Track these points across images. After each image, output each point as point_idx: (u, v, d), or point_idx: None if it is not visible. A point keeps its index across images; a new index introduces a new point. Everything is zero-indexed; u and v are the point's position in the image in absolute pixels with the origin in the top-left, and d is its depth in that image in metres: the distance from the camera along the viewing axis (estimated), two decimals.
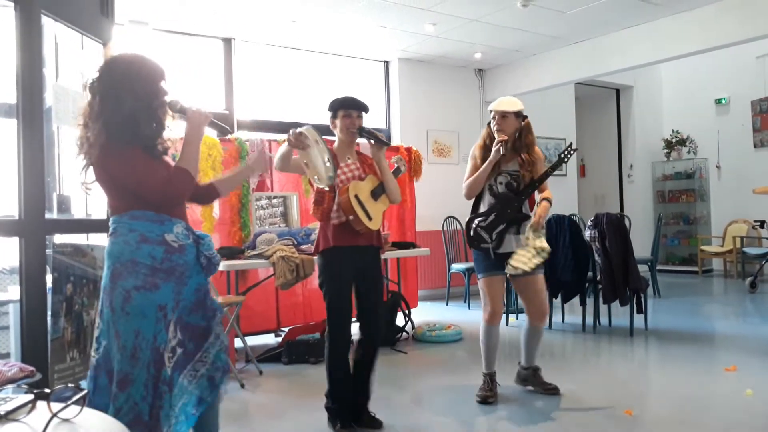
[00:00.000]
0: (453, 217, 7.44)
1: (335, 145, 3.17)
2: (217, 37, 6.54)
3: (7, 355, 3.42)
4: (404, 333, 5.22)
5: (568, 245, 5.14)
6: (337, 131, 3.15)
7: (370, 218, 3.00)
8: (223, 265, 4.15)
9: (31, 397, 1.25)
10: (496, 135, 3.35)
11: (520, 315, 6.14)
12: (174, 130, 2.20)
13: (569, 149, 3.44)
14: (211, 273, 2.20)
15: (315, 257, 3.11)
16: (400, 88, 7.76)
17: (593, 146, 10.22)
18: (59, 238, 3.11)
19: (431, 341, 5.12)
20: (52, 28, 3.06)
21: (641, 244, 8.22)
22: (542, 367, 3.65)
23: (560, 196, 6.29)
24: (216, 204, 4.81)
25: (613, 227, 5.01)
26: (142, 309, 1.98)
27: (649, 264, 6.92)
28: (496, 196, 3.38)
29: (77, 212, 3.48)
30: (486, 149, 3.41)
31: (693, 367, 4.09)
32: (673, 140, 9.74)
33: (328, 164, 2.79)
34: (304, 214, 5.58)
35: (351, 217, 2.94)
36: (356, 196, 2.97)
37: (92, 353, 2.11)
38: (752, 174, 8.66)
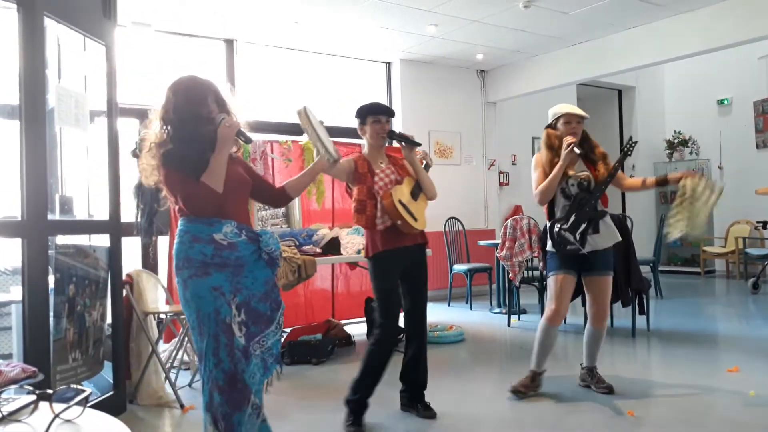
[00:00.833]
0: (455, 218, 7.44)
1: (365, 150, 3.27)
2: (219, 39, 6.55)
3: (9, 356, 3.43)
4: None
5: None
6: (366, 137, 3.24)
7: (415, 219, 3.13)
8: None
9: (33, 397, 1.25)
10: (565, 139, 3.40)
11: (522, 316, 6.14)
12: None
13: (630, 142, 3.53)
14: (274, 266, 2.39)
15: (366, 260, 3.24)
16: (402, 90, 7.75)
17: None
18: (61, 239, 3.11)
19: (433, 342, 5.10)
20: (54, 30, 3.07)
21: (643, 244, 8.21)
22: (546, 369, 3.64)
23: None
24: None
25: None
26: (197, 291, 2.22)
27: (651, 265, 6.91)
28: (571, 198, 3.42)
29: (79, 213, 3.49)
30: (550, 150, 3.45)
31: (695, 368, 4.08)
32: (676, 141, 9.73)
33: (326, 146, 2.60)
34: (305, 215, 5.59)
35: (399, 222, 3.07)
36: (400, 201, 3.08)
37: None
38: (755, 175, 8.65)
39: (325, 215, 5.84)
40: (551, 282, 3.48)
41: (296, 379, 4.18)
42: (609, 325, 5.44)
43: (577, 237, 3.34)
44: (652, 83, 9.97)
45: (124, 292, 3.60)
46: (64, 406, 1.18)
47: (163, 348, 4.43)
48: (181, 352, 4.16)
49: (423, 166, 3.35)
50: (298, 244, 4.73)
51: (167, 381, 3.68)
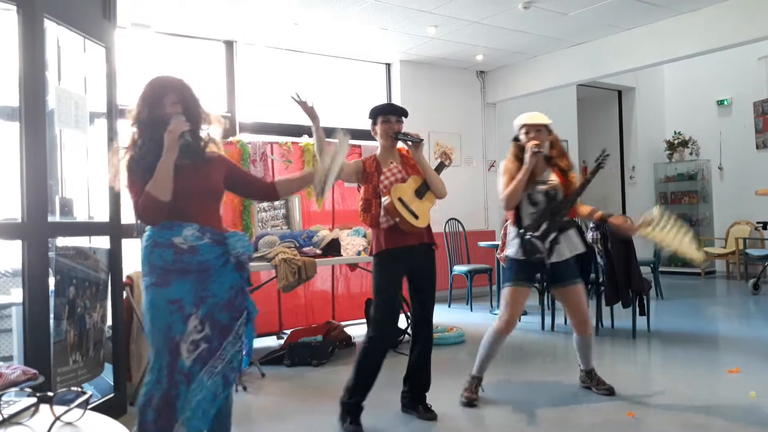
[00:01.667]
0: (455, 219, 7.44)
1: (378, 151, 3.31)
2: (218, 40, 6.55)
3: (9, 358, 3.42)
4: (406, 335, 5.21)
5: None
6: (378, 137, 3.29)
7: (416, 217, 3.12)
8: None
9: (34, 400, 1.25)
10: (527, 146, 3.37)
11: (522, 317, 6.13)
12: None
13: (603, 155, 3.57)
14: (244, 270, 2.30)
15: (372, 257, 3.23)
16: (402, 91, 7.75)
17: (595, 148, 10.17)
18: (62, 241, 3.11)
19: (433, 343, 5.10)
20: (54, 32, 3.06)
21: (643, 245, 8.17)
22: (546, 369, 3.64)
23: None
24: None
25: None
26: (155, 302, 2.15)
27: (652, 266, 6.90)
28: (539, 205, 3.40)
29: (80, 215, 3.48)
30: (519, 161, 3.43)
31: (696, 369, 4.08)
32: (676, 142, 9.73)
33: (328, 181, 2.54)
34: (306, 216, 5.59)
35: (397, 219, 3.07)
36: (399, 199, 3.09)
37: None
38: (755, 175, 8.65)
39: (326, 217, 5.84)
40: (506, 293, 3.44)
41: (296, 380, 4.17)
42: (610, 326, 5.46)
43: (547, 245, 3.33)
44: (652, 84, 9.97)
45: (125, 294, 3.59)
46: (65, 408, 1.18)
47: None
48: None
49: (437, 165, 3.37)
50: (298, 245, 4.73)
51: None
